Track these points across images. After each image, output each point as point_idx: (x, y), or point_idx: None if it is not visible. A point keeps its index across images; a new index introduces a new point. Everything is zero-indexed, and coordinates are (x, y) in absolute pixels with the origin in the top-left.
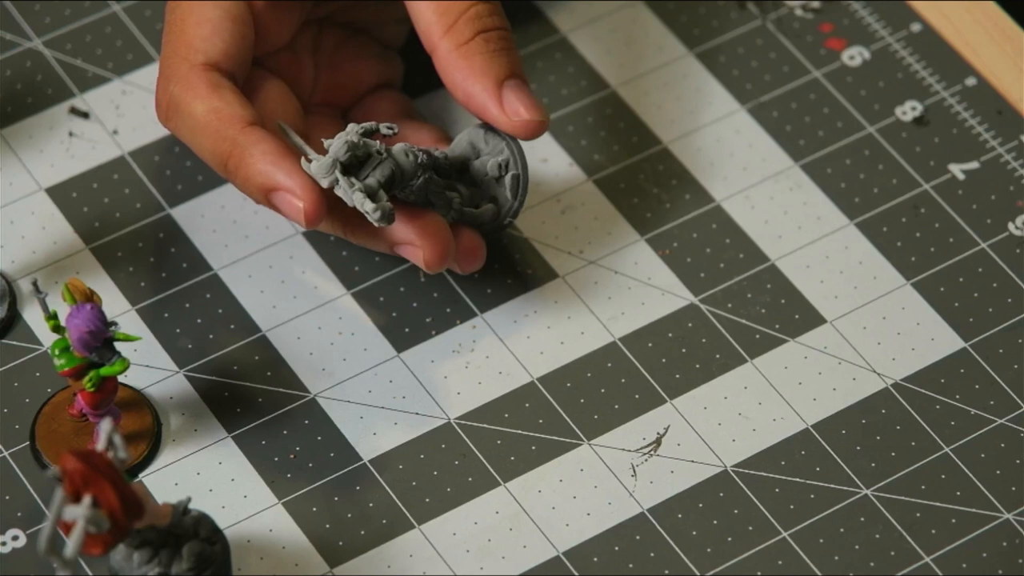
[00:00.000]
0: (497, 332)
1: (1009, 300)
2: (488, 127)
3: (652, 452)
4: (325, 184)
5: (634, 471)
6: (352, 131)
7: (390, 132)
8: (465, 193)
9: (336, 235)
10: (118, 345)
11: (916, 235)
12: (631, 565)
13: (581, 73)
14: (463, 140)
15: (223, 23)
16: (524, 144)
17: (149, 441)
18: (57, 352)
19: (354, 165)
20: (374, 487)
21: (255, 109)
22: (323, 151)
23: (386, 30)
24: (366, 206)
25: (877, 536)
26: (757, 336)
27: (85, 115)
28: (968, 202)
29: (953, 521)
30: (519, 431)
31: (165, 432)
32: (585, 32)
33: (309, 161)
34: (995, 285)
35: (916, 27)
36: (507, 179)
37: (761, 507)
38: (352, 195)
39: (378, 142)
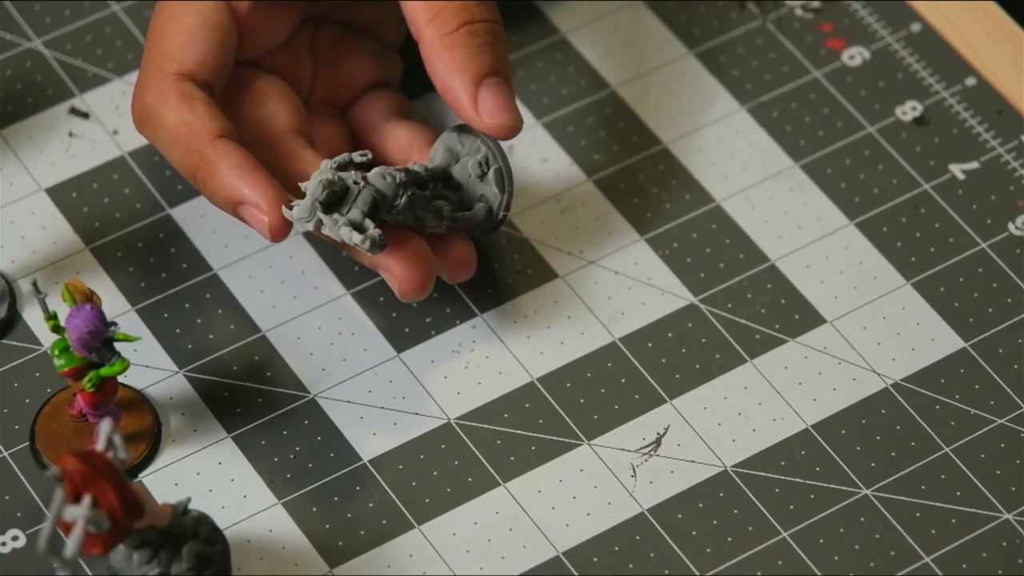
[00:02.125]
0: (497, 332)
1: (1009, 300)
2: (461, 128)
3: (652, 452)
4: (310, 227)
5: (634, 471)
6: (326, 168)
7: (363, 159)
8: (454, 199)
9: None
10: (118, 345)
11: (916, 235)
12: (631, 565)
13: (581, 73)
14: (439, 148)
15: (201, 32)
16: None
17: (149, 441)
18: (57, 352)
19: (334, 201)
20: (374, 487)
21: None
22: (301, 193)
23: (384, 29)
24: (354, 239)
25: (877, 536)
26: (757, 336)
27: (85, 115)
28: (968, 202)
29: (953, 521)
30: (519, 431)
31: (165, 432)
32: (585, 32)
33: (290, 208)
34: (995, 285)
35: (916, 27)
36: (491, 174)
37: (761, 507)
38: (339, 231)
39: (353, 172)
